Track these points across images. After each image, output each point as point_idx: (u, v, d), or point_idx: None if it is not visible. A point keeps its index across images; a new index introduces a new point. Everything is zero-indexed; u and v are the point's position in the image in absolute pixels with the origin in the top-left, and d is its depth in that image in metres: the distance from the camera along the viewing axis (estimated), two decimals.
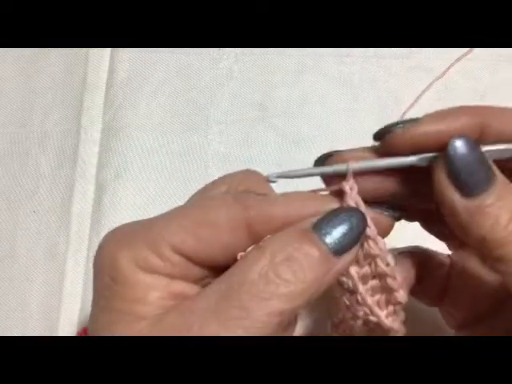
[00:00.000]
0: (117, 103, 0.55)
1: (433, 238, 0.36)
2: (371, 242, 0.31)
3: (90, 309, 0.49)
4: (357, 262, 0.31)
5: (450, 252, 0.38)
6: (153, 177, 0.53)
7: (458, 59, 0.51)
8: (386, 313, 0.32)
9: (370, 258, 0.31)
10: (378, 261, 0.31)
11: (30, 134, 0.55)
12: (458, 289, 0.36)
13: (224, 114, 0.55)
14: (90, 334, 0.30)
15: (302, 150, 0.53)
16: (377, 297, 0.32)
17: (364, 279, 0.31)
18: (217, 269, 0.30)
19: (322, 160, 0.33)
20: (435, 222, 0.34)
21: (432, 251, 0.37)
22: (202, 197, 0.32)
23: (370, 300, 0.31)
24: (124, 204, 0.52)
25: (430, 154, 0.30)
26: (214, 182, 0.33)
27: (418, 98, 0.43)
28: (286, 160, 0.53)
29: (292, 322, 0.30)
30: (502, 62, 0.54)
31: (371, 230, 0.31)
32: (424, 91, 0.44)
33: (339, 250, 0.29)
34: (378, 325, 0.32)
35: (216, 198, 0.31)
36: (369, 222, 0.30)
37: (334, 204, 0.31)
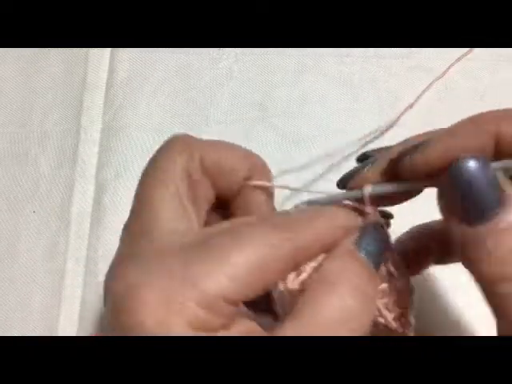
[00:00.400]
0: (117, 103, 0.55)
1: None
2: None
3: (89, 309, 0.49)
4: None
5: None
6: None
7: (458, 59, 0.51)
8: (394, 315, 0.32)
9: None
10: (389, 264, 0.31)
11: (30, 133, 0.55)
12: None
13: (224, 114, 0.55)
14: None
15: (302, 150, 0.53)
16: (385, 299, 0.32)
17: None
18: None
19: (346, 180, 0.33)
20: None
21: (428, 224, 0.37)
22: (234, 229, 0.29)
23: (379, 303, 0.31)
24: (124, 204, 0.52)
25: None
26: (166, 157, 0.32)
27: (419, 97, 0.43)
28: (286, 160, 0.53)
29: None
30: (502, 62, 0.54)
31: None
32: (424, 91, 0.44)
33: (377, 263, 0.29)
34: (387, 327, 0.32)
35: (252, 230, 0.28)
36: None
37: (354, 217, 0.31)
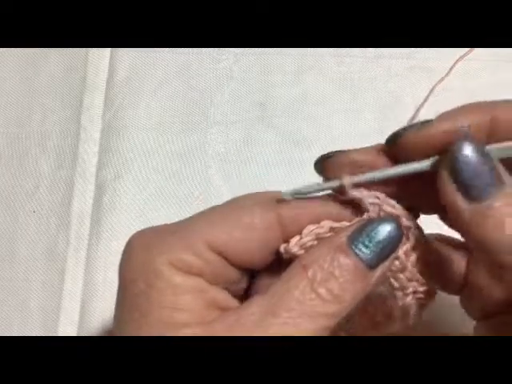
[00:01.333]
0: (117, 103, 0.55)
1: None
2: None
3: (89, 309, 0.49)
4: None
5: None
6: (153, 177, 0.53)
7: (459, 59, 0.51)
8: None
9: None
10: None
11: (30, 133, 0.55)
12: (478, 276, 0.36)
13: (224, 114, 0.55)
14: None
15: (302, 150, 0.53)
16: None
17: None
18: (248, 272, 0.31)
19: (320, 162, 0.32)
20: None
21: (451, 238, 0.37)
22: (234, 198, 0.32)
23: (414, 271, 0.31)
24: (124, 204, 0.52)
25: (431, 159, 0.29)
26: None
27: (425, 100, 0.43)
28: (286, 160, 0.53)
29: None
30: (502, 62, 0.54)
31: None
32: (429, 94, 0.44)
33: (375, 262, 0.29)
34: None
35: (248, 197, 0.32)
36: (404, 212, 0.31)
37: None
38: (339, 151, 0.32)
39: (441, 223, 0.34)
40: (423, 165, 0.30)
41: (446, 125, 0.29)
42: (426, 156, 0.30)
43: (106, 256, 0.51)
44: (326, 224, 0.31)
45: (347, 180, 0.31)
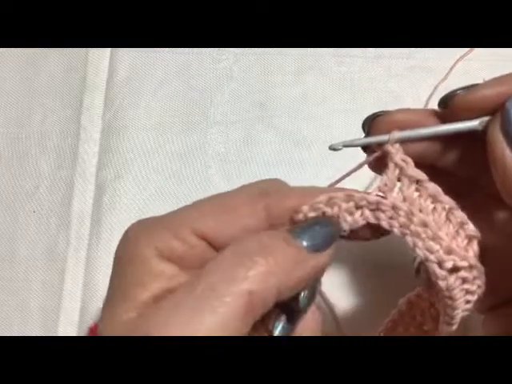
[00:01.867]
0: (117, 103, 0.55)
1: None
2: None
3: (89, 309, 0.49)
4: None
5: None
6: (153, 177, 0.53)
7: (459, 59, 0.51)
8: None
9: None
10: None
11: (30, 133, 0.55)
12: (487, 272, 0.36)
13: (224, 114, 0.55)
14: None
15: (302, 150, 0.53)
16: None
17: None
18: None
19: (370, 121, 0.33)
20: (473, 198, 0.34)
21: None
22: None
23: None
24: (124, 204, 0.52)
25: (481, 119, 0.30)
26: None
27: (429, 99, 0.43)
28: (286, 160, 0.53)
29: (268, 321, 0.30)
30: (502, 61, 0.54)
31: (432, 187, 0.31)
32: (432, 93, 0.44)
33: (311, 247, 0.29)
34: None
35: (237, 188, 0.32)
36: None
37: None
38: (389, 111, 0.32)
39: None
40: (473, 124, 0.30)
41: (498, 87, 0.30)
42: (476, 117, 0.30)
43: (106, 256, 0.51)
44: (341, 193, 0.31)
45: (395, 135, 0.31)
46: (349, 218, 0.31)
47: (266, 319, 0.30)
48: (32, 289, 0.50)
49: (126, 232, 0.31)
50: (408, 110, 0.32)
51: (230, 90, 0.55)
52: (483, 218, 0.36)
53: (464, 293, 0.30)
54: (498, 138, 0.29)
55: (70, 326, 0.49)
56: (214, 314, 0.26)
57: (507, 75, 0.31)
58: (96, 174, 0.53)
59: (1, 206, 0.53)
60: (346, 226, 0.31)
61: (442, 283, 0.30)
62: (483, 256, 0.35)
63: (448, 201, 0.31)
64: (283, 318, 0.30)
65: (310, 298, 0.31)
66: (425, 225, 0.30)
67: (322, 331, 0.32)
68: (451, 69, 0.51)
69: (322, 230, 0.30)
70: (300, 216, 0.31)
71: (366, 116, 0.33)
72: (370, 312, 0.48)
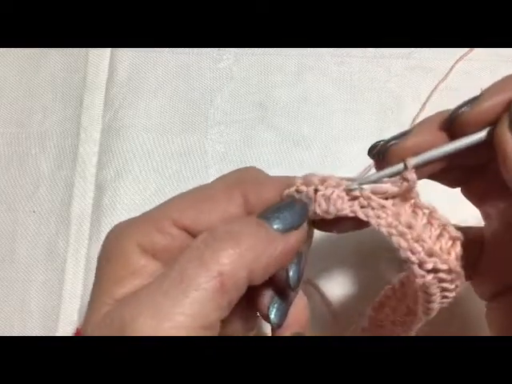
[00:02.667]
0: (117, 103, 0.55)
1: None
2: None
3: None
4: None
5: (482, 224, 0.37)
6: (153, 177, 0.53)
7: (459, 59, 0.51)
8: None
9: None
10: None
11: (30, 133, 0.55)
12: (489, 260, 0.36)
13: (224, 114, 0.55)
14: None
15: (301, 150, 0.53)
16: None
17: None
18: None
19: (384, 151, 0.33)
20: (477, 185, 0.35)
21: (464, 227, 0.37)
22: None
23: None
24: (124, 204, 0.52)
25: (487, 129, 0.30)
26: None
27: (428, 99, 0.43)
28: (286, 160, 0.53)
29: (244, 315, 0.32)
30: (502, 62, 0.54)
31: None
32: (431, 94, 0.44)
33: (281, 228, 0.30)
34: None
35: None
36: None
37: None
38: (400, 137, 0.32)
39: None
40: (481, 135, 0.31)
41: (500, 96, 0.30)
42: (482, 128, 0.31)
43: None
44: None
45: (411, 162, 0.31)
46: (339, 203, 0.32)
47: (260, 307, 0.32)
48: (32, 289, 0.50)
49: (110, 231, 0.32)
50: (416, 131, 0.32)
51: (229, 90, 0.55)
52: (485, 205, 0.36)
53: (440, 289, 0.31)
54: (507, 137, 0.29)
55: (70, 325, 0.49)
56: (187, 297, 0.27)
57: (504, 81, 0.31)
58: (96, 174, 0.53)
59: (1, 206, 0.53)
60: (324, 209, 0.32)
61: (419, 281, 0.30)
62: (485, 244, 0.35)
63: (427, 205, 0.32)
64: (277, 299, 0.32)
65: (299, 276, 0.32)
66: (410, 226, 0.31)
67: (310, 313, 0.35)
68: (451, 69, 0.51)
69: (291, 210, 0.31)
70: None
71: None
72: (359, 294, 0.48)
